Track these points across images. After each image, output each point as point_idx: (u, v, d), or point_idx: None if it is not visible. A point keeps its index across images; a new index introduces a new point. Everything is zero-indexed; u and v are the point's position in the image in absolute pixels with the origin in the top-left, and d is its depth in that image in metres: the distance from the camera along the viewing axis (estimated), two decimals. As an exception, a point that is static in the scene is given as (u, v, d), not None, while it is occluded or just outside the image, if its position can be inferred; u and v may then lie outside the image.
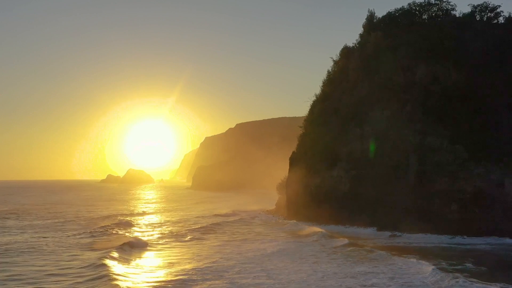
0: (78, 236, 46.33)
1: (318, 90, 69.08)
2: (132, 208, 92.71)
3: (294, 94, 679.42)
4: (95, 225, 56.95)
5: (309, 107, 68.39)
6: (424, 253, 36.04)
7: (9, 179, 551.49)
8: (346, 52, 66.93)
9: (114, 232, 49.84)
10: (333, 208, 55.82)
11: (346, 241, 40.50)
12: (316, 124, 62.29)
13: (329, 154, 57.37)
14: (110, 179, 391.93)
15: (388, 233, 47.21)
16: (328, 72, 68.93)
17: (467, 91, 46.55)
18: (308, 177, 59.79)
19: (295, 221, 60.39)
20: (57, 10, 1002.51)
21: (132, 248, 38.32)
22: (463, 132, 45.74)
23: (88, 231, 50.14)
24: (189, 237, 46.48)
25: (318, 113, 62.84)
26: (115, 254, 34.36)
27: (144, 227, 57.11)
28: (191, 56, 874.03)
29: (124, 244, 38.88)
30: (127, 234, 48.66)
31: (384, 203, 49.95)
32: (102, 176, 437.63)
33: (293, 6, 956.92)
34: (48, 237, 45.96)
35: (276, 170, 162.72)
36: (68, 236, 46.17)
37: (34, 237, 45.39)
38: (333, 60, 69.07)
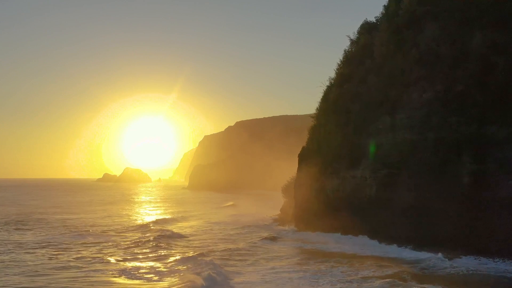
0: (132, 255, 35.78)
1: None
2: (152, 213, 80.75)
3: (295, 92, 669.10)
4: (136, 237, 46.51)
5: (322, 94, 56.50)
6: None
7: (0, 177, 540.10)
8: (368, 28, 55.12)
9: (173, 250, 38.43)
10: (354, 218, 44.05)
11: None
12: (332, 113, 50.33)
13: (350, 149, 45.62)
14: (106, 178, 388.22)
15: (430, 255, 35.23)
16: (345, 52, 57.03)
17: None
18: (323, 178, 47.99)
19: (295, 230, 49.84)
20: (52, 3, 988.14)
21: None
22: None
23: (137, 245, 40.50)
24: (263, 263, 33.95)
25: (335, 99, 50.84)
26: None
27: (192, 240, 45.33)
28: (192, 51, 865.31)
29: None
30: (192, 255, 35.93)
31: (424, 214, 38.06)
32: (97, 175, 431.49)
33: (294, 3, 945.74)
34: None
35: (277, 169, 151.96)
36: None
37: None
38: (350, 39, 57.24)
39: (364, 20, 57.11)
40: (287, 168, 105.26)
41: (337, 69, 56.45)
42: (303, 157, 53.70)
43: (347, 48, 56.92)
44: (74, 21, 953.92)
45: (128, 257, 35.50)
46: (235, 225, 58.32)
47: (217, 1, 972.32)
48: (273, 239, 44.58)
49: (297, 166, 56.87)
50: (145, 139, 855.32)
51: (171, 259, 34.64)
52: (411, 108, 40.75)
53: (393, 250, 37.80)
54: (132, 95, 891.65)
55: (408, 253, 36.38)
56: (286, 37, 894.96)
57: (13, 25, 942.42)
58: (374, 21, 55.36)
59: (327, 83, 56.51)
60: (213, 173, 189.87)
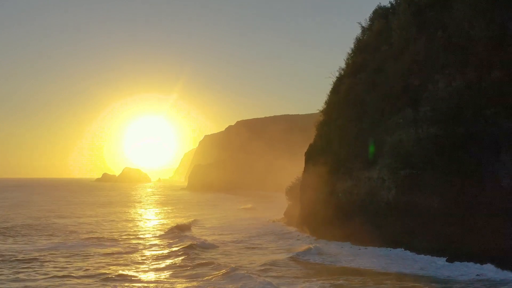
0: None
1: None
2: (163, 217, 74.39)
3: (296, 92, 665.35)
4: (159, 246, 41.23)
5: (331, 85, 51.15)
6: None
7: (2, 177, 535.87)
8: (382, 13, 49.73)
9: (210, 264, 32.28)
10: (369, 225, 38.69)
11: None
12: (344, 106, 44.95)
13: (365, 147, 40.22)
14: (105, 177, 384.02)
15: (465, 274, 29.77)
16: (357, 39, 51.61)
17: None
18: (334, 179, 42.61)
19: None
20: (52, 3, 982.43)
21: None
22: None
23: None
24: None
25: (347, 90, 45.45)
26: None
27: (221, 251, 39.44)
28: (192, 51, 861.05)
29: None
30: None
31: (452, 222, 32.71)
32: (98, 175, 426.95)
33: (294, 3, 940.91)
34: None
35: (278, 169, 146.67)
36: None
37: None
38: (362, 27, 51.84)
39: (378, 5, 51.89)
40: (289, 168, 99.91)
41: (348, 58, 51.18)
42: (310, 156, 48.35)
43: (358, 35, 51.73)
44: (74, 21, 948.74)
45: (161, 272, 30.40)
46: (255, 231, 51.73)
47: (217, 1, 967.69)
48: (306, 251, 38.41)
49: (300, 165, 51.60)
50: (146, 139, 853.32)
51: (214, 274, 29.14)
52: (437, 99, 35.38)
53: (417, 264, 32.24)
54: (132, 95, 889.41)
55: (434, 270, 30.70)
56: (286, 37, 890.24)
57: (13, 25, 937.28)
58: (389, 6, 50.23)
59: (337, 74, 51.38)
60: (212, 173, 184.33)
